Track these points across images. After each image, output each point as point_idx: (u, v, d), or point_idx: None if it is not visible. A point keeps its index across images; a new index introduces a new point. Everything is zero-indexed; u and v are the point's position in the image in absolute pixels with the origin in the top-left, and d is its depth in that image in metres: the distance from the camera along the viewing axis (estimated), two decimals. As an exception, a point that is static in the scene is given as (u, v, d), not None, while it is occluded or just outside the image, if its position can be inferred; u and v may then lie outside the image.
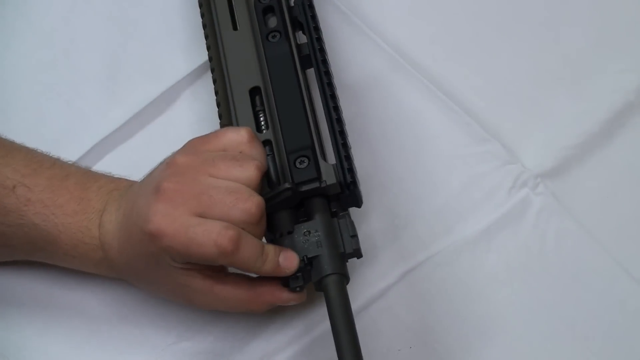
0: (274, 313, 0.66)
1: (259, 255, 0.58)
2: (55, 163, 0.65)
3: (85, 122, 0.73)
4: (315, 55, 0.68)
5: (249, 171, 0.59)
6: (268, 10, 0.69)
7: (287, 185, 0.60)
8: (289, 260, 0.60)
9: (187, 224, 0.57)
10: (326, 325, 0.65)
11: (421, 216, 0.70)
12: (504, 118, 0.74)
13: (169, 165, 0.60)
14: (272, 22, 0.69)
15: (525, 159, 0.73)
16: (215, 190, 0.58)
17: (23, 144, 0.66)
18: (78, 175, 0.64)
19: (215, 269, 0.60)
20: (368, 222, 0.68)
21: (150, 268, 0.60)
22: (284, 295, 0.62)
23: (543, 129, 0.74)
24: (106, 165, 0.71)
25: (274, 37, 0.68)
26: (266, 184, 0.62)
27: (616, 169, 0.72)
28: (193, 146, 0.61)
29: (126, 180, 0.65)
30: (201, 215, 0.57)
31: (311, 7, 0.70)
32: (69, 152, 0.71)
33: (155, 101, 0.74)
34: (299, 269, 0.60)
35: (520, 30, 0.77)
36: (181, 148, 0.62)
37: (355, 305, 0.63)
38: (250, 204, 0.58)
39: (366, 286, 0.68)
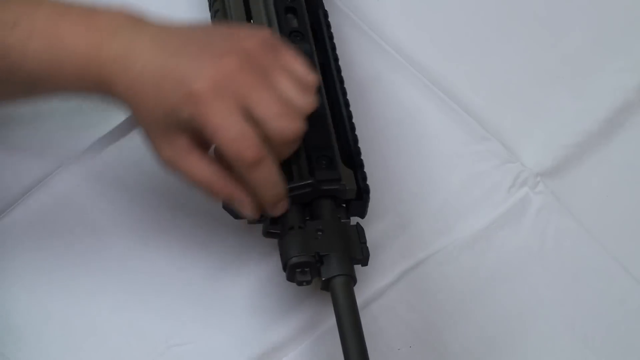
0: (274, 312, 0.66)
1: (272, 183, 0.58)
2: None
3: (85, 119, 0.72)
4: (329, 64, 0.68)
5: (308, 99, 0.58)
6: (289, 10, 0.69)
7: (309, 180, 0.60)
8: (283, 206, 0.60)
9: (229, 110, 0.55)
10: (327, 324, 0.66)
11: (421, 215, 0.70)
12: (504, 117, 0.74)
13: (236, 41, 0.58)
14: (293, 23, 0.69)
15: (524, 158, 0.73)
16: (270, 93, 0.57)
17: None
18: (82, 7, 0.59)
19: (202, 142, 0.59)
20: (368, 221, 0.68)
21: (154, 113, 0.58)
22: (245, 203, 0.60)
23: (543, 127, 0.74)
24: (105, 160, 0.71)
25: (295, 37, 0.68)
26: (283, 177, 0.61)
27: (616, 168, 0.72)
28: (269, 44, 0.59)
29: (144, 15, 0.61)
30: (246, 108, 0.56)
31: (326, 16, 0.70)
32: (69, 149, 0.71)
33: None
34: (309, 264, 0.59)
35: (520, 29, 0.77)
36: (252, 36, 0.59)
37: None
38: (294, 125, 0.57)
39: (366, 285, 0.67)
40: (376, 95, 0.74)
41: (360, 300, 0.64)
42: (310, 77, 0.59)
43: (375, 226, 0.69)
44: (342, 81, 0.68)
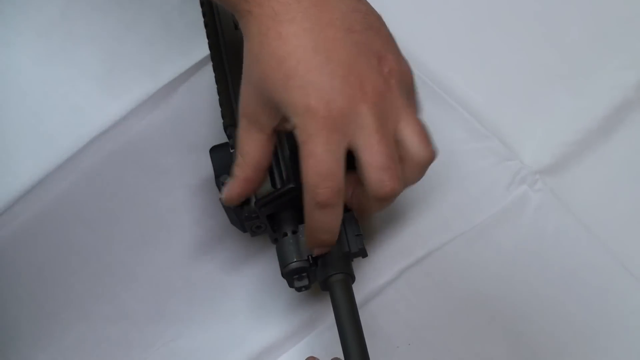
0: (273, 310, 0.66)
1: (327, 231, 0.56)
2: None
3: (81, 117, 0.72)
4: None
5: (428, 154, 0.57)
6: None
7: (291, 185, 0.60)
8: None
9: (331, 145, 0.53)
10: (325, 322, 0.66)
11: (419, 213, 0.70)
12: (503, 115, 0.74)
13: (378, 73, 0.55)
14: None
15: (523, 156, 0.72)
16: (383, 142, 0.54)
17: None
18: None
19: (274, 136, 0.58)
20: (366, 219, 0.68)
21: (271, 81, 0.55)
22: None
23: (542, 125, 0.73)
24: (102, 160, 0.71)
25: None
26: (270, 184, 0.61)
27: (615, 166, 0.72)
28: (405, 86, 0.57)
29: None
30: (352, 147, 0.54)
31: None
32: (66, 147, 0.71)
33: (152, 96, 0.73)
34: (304, 269, 0.59)
35: (519, 27, 0.77)
36: (396, 72, 0.56)
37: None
38: (393, 184, 0.55)
39: (365, 283, 0.68)
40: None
41: (359, 297, 0.64)
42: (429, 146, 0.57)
43: (373, 224, 0.69)
44: None
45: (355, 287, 0.61)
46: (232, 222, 0.63)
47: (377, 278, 0.68)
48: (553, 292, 0.68)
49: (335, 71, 0.54)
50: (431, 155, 0.57)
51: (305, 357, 0.60)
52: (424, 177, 0.69)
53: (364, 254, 0.61)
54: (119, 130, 0.72)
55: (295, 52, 0.54)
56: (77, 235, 0.69)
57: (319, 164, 0.53)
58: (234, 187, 0.59)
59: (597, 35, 0.76)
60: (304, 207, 0.55)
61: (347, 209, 0.61)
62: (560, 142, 0.73)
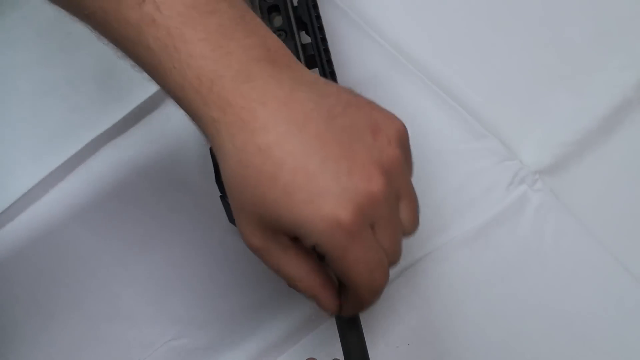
0: (273, 309, 0.66)
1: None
2: None
3: (82, 117, 0.72)
4: (319, 56, 0.68)
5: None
6: (273, 9, 0.69)
7: None
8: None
9: (370, 242, 0.49)
10: (325, 321, 0.65)
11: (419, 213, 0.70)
12: (502, 114, 0.74)
13: (378, 151, 0.50)
14: (277, 21, 0.69)
15: (523, 156, 0.72)
16: (393, 230, 0.51)
17: None
18: (226, 18, 0.49)
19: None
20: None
21: (263, 203, 0.48)
22: (330, 302, 0.54)
23: (541, 125, 0.73)
24: (101, 159, 0.71)
25: (279, 36, 0.67)
26: None
27: (615, 166, 0.72)
28: (404, 158, 0.52)
29: (289, 57, 0.51)
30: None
31: (315, 7, 0.69)
32: (65, 147, 0.71)
33: (152, 96, 0.73)
34: None
35: (519, 27, 0.77)
36: (393, 145, 0.51)
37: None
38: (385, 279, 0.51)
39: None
40: (374, 94, 0.71)
41: None
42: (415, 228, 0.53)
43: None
44: (332, 72, 0.67)
45: None
46: (231, 220, 0.62)
47: None
48: (552, 292, 0.68)
49: (337, 168, 0.48)
50: (415, 231, 0.54)
51: (305, 358, 0.60)
52: (422, 176, 0.68)
53: None
54: (119, 130, 0.72)
55: (285, 163, 0.47)
56: (77, 235, 0.69)
57: (369, 263, 0.49)
58: (325, 305, 0.54)
59: (597, 35, 0.76)
60: (356, 299, 0.51)
61: None
62: (560, 142, 0.73)
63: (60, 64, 0.75)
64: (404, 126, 0.53)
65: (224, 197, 0.60)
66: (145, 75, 0.68)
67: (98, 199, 0.70)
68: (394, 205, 0.50)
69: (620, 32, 0.76)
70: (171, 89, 0.50)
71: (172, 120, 0.72)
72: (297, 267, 0.51)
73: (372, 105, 0.52)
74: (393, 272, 0.66)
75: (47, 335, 0.66)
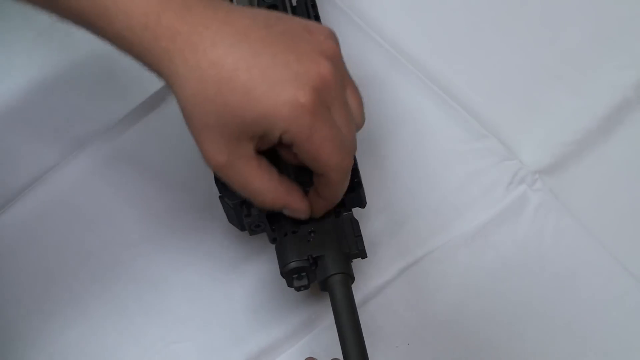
0: (273, 310, 0.67)
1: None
2: None
3: (82, 117, 0.72)
4: None
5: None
6: (272, 8, 0.69)
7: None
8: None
9: (331, 120, 0.53)
10: (324, 322, 0.66)
11: (419, 212, 0.70)
12: (502, 114, 0.74)
13: (317, 44, 0.54)
14: None
15: (523, 156, 0.72)
16: (345, 109, 0.55)
17: None
18: None
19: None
20: (366, 218, 0.68)
21: (224, 114, 0.52)
22: (302, 207, 0.58)
23: (541, 125, 0.73)
24: (102, 160, 0.71)
25: None
26: None
27: (614, 166, 0.72)
28: (338, 54, 0.56)
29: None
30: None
31: (314, 7, 0.69)
32: (66, 147, 0.71)
33: (151, 96, 0.73)
34: (304, 269, 0.59)
35: (519, 27, 0.77)
36: (327, 37, 0.56)
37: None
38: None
39: (364, 282, 0.67)
40: (374, 93, 0.73)
41: (358, 297, 0.64)
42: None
43: (373, 224, 0.69)
44: None
45: (354, 287, 0.61)
46: (230, 220, 0.63)
47: (376, 278, 0.68)
48: (552, 291, 0.68)
49: (287, 61, 0.52)
50: (363, 123, 0.58)
51: (305, 358, 0.60)
52: (422, 176, 0.71)
53: (363, 254, 0.61)
54: (118, 131, 0.72)
55: (239, 66, 0.51)
56: (76, 235, 0.69)
57: (334, 140, 0.53)
58: (297, 209, 0.58)
59: (596, 35, 0.76)
60: (328, 185, 0.56)
61: (346, 210, 0.61)
62: (559, 142, 0.73)
63: (61, 64, 0.75)
64: (333, 31, 0.57)
65: (223, 197, 0.60)
66: (145, 74, 0.69)
67: (98, 199, 0.70)
68: (343, 91, 0.55)
69: (619, 32, 0.76)
70: (118, 33, 0.53)
71: (171, 119, 0.72)
72: (262, 178, 0.55)
73: (300, 18, 0.57)
74: (393, 271, 0.68)
75: (46, 335, 0.66)
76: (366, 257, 0.61)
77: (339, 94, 0.54)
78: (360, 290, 0.67)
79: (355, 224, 0.61)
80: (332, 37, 0.56)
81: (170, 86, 0.53)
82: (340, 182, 0.56)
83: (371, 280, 0.68)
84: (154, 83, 0.71)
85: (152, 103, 0.73)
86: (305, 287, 0.60)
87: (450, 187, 0.71)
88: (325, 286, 0.59)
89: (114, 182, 0.71)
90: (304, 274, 0.60)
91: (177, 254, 0.69)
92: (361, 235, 0.60)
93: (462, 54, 0.76)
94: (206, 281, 0.68)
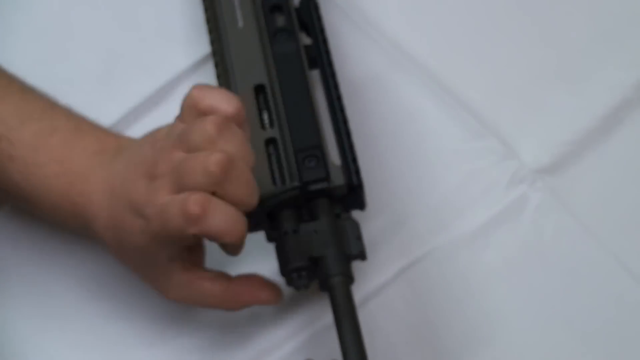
0: (272, 309, 0.66)
1: (233, 217, 0.56)
2: (44, 113, 0.64)
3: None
4: (321, 57, 0.68)
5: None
6: (275, 8, 0.69)
7: (295, 183, 0.60)
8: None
9: (164, 203, 0.56)
10: (324, 321, 0.65)
11: (419, 212, 0.70)
12: (502, 114, 0.73)
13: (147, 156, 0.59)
14: (279, 20, 0.69)
15: (523, 155, 0.72)
16: (179, 166, 0.56)
17: (21, 83, 0.66)
18: (65, 132, 0.63)
19: (195, 262, 0.61)
20: (366, 218, 0.68)
21: (135, 253, 0.60)
22: (262, 296, 0.62)
23: (541, 125, 0.73)
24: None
25: (281, 35, 0.68)
26: (271, 182, 0.61)
27: (614, 165, 0.72)
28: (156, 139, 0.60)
29: (115, 138, 0.64)
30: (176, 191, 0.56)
31: (317, 8, 0.70)
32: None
33: (150, 96, 0.73)
34: (304, 268, 0.59)
35: (519, 26, 0.77)
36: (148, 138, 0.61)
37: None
38: (207, 164, 0.55)
39: (364, 282, 0.67)
40: (374, 93, 0.73)
41: (358, 297, 0.63)
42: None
43: (372, 223, 0.69)
44: (333, 74, 0.68)
45: (354, 287, 0.60)
46: None
47: (376, 277, 0.68)
48: (552, 291, 0.67)
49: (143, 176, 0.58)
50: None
51: (304, 358, 0.60)
52: (421, 175, 0.71)
53: (363, 257, 0.61)
54: (118, 130, 0.70)
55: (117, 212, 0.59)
56: (74, 236, 0.68)
57: (173, 208, 0.55)
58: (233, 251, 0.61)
59: (596, 34, 0.76)
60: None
61: (346, 211, 0.61)
62: (559, 142, 0.72)
63: (61, 63, 0.75)
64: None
65: None
66: (143, 76, 0.72)
67: None
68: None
69: (619, 32, 0.77)
70: (42, 206, 0.63)
71: (171, 118, 0.71)
72: (215, 282, 0.62)
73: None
74: (392, 271, 0.68)
75: (46, 335, 0.66)
76: (366, 259, 0.61)
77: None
78: (360, 290, 0.66)
79: (355, 226, 0.61)
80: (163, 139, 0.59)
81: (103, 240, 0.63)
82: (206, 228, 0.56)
83: (371, 280, 0.68)
84: (154, 82, 0.74)
85: (152, 103, 0.73)
86: (306, 287, 0.60)
87: (450, 186, 0.71)
88: (325, 286, 0.59)
89: None
90: (304, 273, 0.59)
91: None
92: (362, 238, 0.61)
93: (462, 53, 0.76)
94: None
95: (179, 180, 0.56)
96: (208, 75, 0.71)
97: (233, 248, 0.59)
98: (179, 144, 0.57)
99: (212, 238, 0.57)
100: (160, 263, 0.59)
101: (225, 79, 0.67)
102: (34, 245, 0.69)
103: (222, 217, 0.55)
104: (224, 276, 0.62)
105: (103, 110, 0.72)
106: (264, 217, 0.60)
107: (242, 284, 0.62)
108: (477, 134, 0.73)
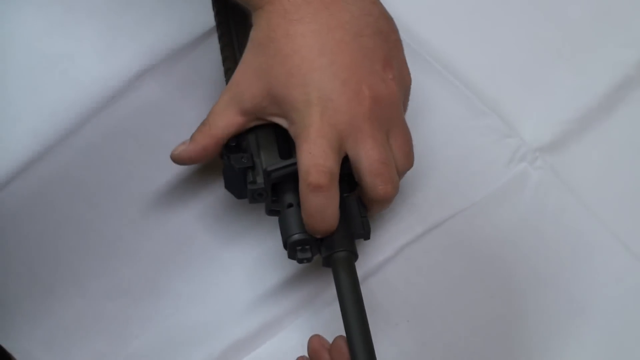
0: (274, 286, 0.67)
1: (324, 217, 0.58)
2: None
3: (81, 92, 0.72)
4: None
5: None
6: None
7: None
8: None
9: (326, 133, 0.57)
10: (325, 297, 0.66)
11: (419, 190, 0.70)
12: (503, 92, 0.73)
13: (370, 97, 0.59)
14: None
15: (524, 133, 0.72)
16: (378, 147, 0.59)
17: None
18: None
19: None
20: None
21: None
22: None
23: (542, 102, 0.73)
24: (102, 135, 0.71)
25: None
26: (278, 155, 0.61)
27: (615, 144, 0.72)
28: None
29: None
30: (343, 142, 0.58)
31: None
32: (65, 122, 0.70)
33: (151, 70, 0.73)
34: (307, 241, 0.59)
35: (520, 4, 0.76)
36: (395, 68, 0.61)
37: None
38: (386, 189, 0.59)
39: (364, 260, 0.67)
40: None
41: (358, 275, 0.63)
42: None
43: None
44: None
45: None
46: (228, 186, 0.62)
47: (376, 255, 0.68)
48: (552, 270, 0.68)
49: (338, 73, 0.57)
50: (410, 167, 0.62)
51: (305, 334, 0.60)
52: (422, 153, 0.69)
53: (367, 236, 0.61)
54: (118, 106, 0.71)
55: (300, 51, 0.57)
56: (76, 210, 0.69)
57: (313, 148, 0.56)
58: (189, 151, 0.62)
59: (598, 12, 0.76)
60: (299, 194, 0.58)
61: (350, 190, 0.61)
62: (560, 120, 0.73)
63: (61, 38, 0.74)
64: (411, 80, 0.63)
65: (228, 159, 0.61)
66: (144, 50, 0.70)
67: (98, 174, 0.70)
68: (377, 128, 0.58)
69: (621, 10, 0.76)
70: None
71: (171, 94, 0.72)
72: (227, 124, 0.61)
73: (397, 45, 0.62)
74: (393, 249, 0.68)
75: (45, 311, 0.66)
76: (369, 238, 0.61)
77: (364, 134, 0.58)
78: (360, 268, 0.64)
79: (361, 205, 0.61)
80: (402, 82, 0.61)
81: (253, 22, 0.60)
82: (304, 192, 0.58)
83: (371, 258, 0.68)
84: (155, 57, 0.73)
85: (153, 79, 0.73)
86: (308, 260, 0.60)
87: (450, 164, 0.71)
88: (328, 262, 0.59)
89: (114, 157, 0.70)
90: (307, 247, 0.59)
91: (176, 229, 0.68)
92: (367, 217, 0.61)
93: (463, 30, 0.76)
94: (205, 255, 0.68)
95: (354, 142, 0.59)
96: (208, 51, 0.71)
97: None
98: None
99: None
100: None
101: (230, 50, 0.66)
102: (34, 220, 0.69)
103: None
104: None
105: (104, 85, 0.72)
106: (269, 188, 0.60)
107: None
108: (478, 111, 0.73)
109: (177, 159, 0.63)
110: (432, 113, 0.72)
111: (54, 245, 0.68)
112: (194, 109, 0.70)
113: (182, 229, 0.68)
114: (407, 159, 0.61)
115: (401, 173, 0.61)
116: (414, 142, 0.68)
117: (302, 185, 0.57)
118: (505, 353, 0.66)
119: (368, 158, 0.58)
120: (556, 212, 0.70)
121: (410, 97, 0.68)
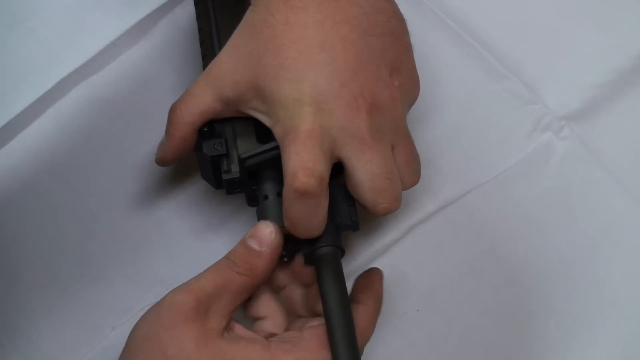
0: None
1: (309, 227, 0.54)
2: None
3: (51, 53, 0.68)
4: None
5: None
6: None
7: (277, 143, 0.56)
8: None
9: (317, 137, 0.53)
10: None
11: (431, 162, 0.67)
12: (526, 53, 0.70)
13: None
14: None
15: (548, 99, 0.69)
16: (379, 159, 0.55)
17: None
18: None
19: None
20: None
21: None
22: None
23: (568, 65, 0.70)
24: (73, 101, 0.67)
25: None
26: (255, 140, 0.57)
27: (650, 111, 0.70)
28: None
29: None
30: (335, 150, 0.54)
31: None
32: (33, 86, 0.67)
33: (129, 30, 0.70)
34: (287, 237, 0.55)
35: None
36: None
37: (355, 263, 0.63)
38: (387, 206, 0.55)
39: (367, 241, 0.65)
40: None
41: (361, 258, 0.64)
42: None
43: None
44: None
45: (356, 246, 0.60)
46: (204, 175, 0.60)
47: (382, 236, 0.66)
48: (580, 252, 0.66)
49: (337, 74, 0.53)
50: (415, 183, 0.59)
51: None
52: (435, 122, 0.68)
53: (355, 227, 0.57)
54: (92, 69, 0.68)
55: (298, 43, 0.53)
56: (46, 186, 0.66)
57: (302, 150, 0.52)
58: (170, 147, 0.58)
59: (630, -37, 0.74)
60: (283, 199, 0.54)
61: (335, 176, 0.57)
62: (589, 84, 0.70)
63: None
64: (419, 88, 0.59)
65: (200, 147, 0.57)
66: (120, 8, 0.68)
67: (70, 145, 0.67)
68: (378, 139, 0.54)
69: (657, -39, 0.74)
70: None
71: (150, 56, 0.69)
72: (202, 111, 0.56)
73: (407, 50, 0.58)
74: (401, 229, 0.66)
75: (11, 298, 0.63)
76: (358, 229, 0.57)
77: (362, 144, 0.54)
78: (362, 250, 0.65)
79: (347, 192, 0.56)
80: (405, 91, 0.56)
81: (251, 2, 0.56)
82: (288, 198, 0.53)
83: (376, 239, 0.65)
84: (133, 16, 0.70)
85: (131, 39, 0.69)
86: (289, 258, 0.56)
87: (466, 134, 0.69)
88: (310, 260, 0.55)
89: (87, 127, 0.67)
90: (287, 244, 0.55)
91: (157, 208, 0.66)
92: (355, 205, 0.56)
93: (480, -15, 0.74)
94: (189, 238, 0.66)
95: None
96: (190, 7, 0.68)
97: None
98: None
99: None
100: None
101: (206, 20, 0.62)
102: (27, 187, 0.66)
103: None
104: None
105: (76, 46, 0.69)
106: (244, 177, 0.57)
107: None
108: (497, 75, 0.70)
109: (162, 161, 0.59)
110: (447, 77, 0.70)
111: (20, 225, 0.65)
112: (176, 72, 0.68)
113: (162, 208, 0.66)
114: (415, 175, 0.58)
115: (406, 189, 0.57)
116: (425, 112, 0.67)
117: (287, 190, 0.53)
118: (525, 346, 0.64)
119: (368, 171, 0.54)
120: (584, 188, 0.67)
121: (423, 60, 0.64)
